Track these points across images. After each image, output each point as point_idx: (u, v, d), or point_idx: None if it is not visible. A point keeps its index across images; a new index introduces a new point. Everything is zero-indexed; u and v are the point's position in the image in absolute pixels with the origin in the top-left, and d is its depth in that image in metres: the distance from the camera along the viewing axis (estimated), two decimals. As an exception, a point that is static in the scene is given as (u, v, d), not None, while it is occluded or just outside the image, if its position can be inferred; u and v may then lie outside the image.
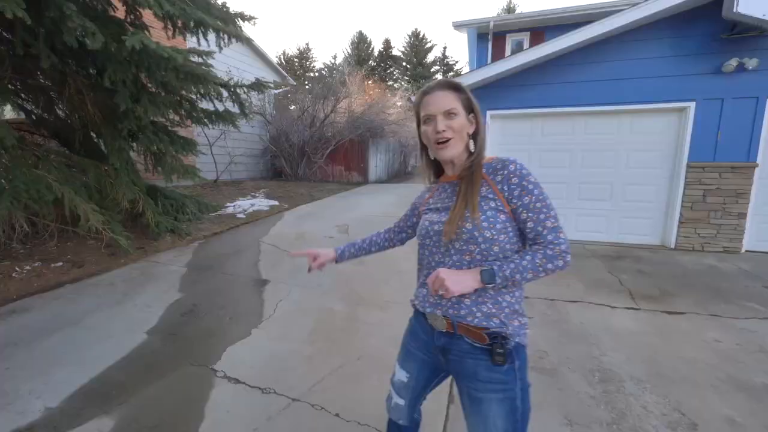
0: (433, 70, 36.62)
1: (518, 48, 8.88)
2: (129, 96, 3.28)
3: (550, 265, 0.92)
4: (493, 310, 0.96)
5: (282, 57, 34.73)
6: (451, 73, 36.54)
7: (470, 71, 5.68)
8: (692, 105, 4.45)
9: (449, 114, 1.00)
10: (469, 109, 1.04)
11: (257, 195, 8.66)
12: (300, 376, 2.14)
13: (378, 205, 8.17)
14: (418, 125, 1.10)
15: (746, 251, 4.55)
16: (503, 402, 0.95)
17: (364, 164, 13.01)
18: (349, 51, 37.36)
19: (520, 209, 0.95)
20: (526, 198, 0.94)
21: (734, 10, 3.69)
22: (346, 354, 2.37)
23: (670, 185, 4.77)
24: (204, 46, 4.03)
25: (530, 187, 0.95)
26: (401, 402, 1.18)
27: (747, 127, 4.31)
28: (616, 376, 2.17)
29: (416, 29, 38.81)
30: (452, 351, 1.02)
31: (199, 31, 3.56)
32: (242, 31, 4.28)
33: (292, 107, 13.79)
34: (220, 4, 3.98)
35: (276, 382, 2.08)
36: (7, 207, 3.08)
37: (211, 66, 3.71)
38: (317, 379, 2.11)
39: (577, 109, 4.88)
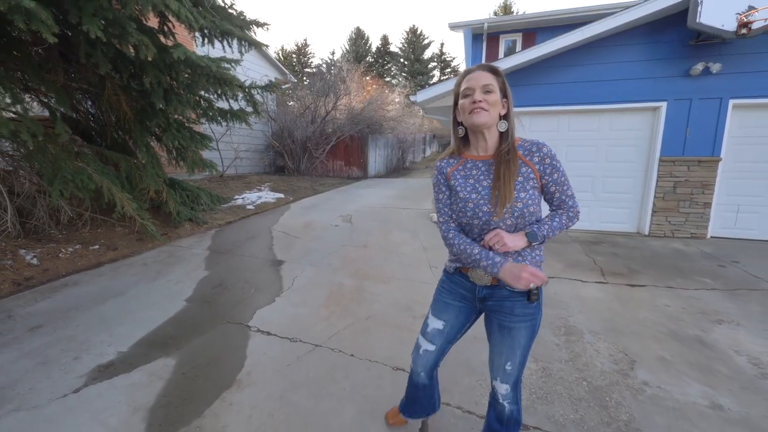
0: (430, 66, 36.88)
1: (511, 47, 9.32)
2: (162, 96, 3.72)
3: (570, 223, 1.22)
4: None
5: (280, 53, 34.90)
6: (448, 70, 36.84)
7: (464, 72, 6.10)
8: (664, 105, 4.91)
9: (486, 89, 1.16)
10: (503, 93, 1.19)
11: (263, 188, 9.08)
12: (319, 330, 2.61)
13: (377, 198, 8.61)
14: (455, 104, 1.25)
15: (711, 237, 5.05)
16: (529, 328, 1.22)
17: (364, 159, 13.40)
18: (347, 47, 37.56)
19: (550, 184, 1.18)
20: (555, 175, 1.17)
21: (697, 21, 4.15)
22: (356, 315, 2.84)
23: (644, 177, 5.25)
24: (220, 52, 4.45)
25: (558, 165, 1.18)
26: (431, 348, 1.38)
27: (712, 125, 4.79)
28: (578, 330, 2.65)
29: (414, 25, 38.97)
30: (493, 297, 1.24)
31: (225, 40, 4.00)
32: (256, 36, 4.72)
33: (291, 103, 14.13)
34: (237, 12, 4.41)
35: (300, 334, 2.55)
36: (57, 196, 3.52)
37: (230, 69, 4.13)
38: (334, 332, 2.58)
39: (562, 108, 5.33)
